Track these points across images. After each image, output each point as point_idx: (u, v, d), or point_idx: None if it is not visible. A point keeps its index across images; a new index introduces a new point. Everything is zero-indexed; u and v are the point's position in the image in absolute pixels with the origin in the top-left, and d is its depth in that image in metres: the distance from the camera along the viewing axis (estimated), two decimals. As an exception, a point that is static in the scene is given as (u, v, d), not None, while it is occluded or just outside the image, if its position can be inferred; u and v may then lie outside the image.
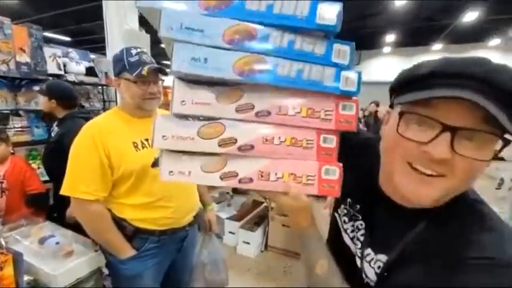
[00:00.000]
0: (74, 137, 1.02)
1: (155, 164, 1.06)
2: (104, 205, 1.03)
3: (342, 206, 0.62)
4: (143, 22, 3.40)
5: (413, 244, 0.44)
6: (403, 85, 0.44)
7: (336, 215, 0.64)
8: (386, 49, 13.08)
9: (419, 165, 0.40)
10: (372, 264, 0.50)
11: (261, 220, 2.84)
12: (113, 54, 1.11)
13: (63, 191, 0.99)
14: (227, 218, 2.83)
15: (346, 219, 0.60)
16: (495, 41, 10.99)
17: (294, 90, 0.47)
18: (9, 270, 0.91)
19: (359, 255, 0.54)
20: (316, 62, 0.46)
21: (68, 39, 10.08)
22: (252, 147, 0.48)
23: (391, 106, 0.49)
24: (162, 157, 0.49)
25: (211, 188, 3.32)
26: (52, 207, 1.78)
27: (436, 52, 12.46)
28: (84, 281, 1.11)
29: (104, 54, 3.56)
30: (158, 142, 0.47)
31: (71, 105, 1.83)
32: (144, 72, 1.00)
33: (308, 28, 0.44)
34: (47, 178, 1.82)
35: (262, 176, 0.49)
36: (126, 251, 1.04)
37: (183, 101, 0.46)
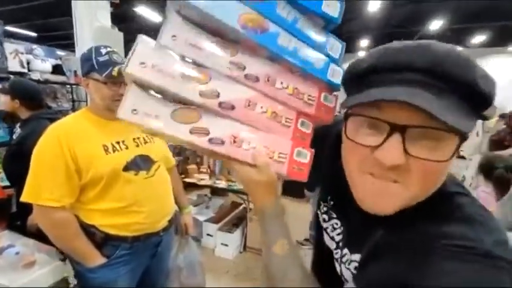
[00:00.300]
0: (38, 139, 0.96)
1: (127, 167, 1.02)
2: (71, 212, 0.98)
3: (322, 203, 0.57)
4: (116, 19, 3.27)
5: (385, 241, 0.40)
6: (348, 82, 0.43)
7: (319, 213, 0.59)
8: (362, 53, 13.61)
9: (375, 173, 0.36)
10: (347, 265, 0.46)
11: (239, 221, 2.84)
12: (82, 51, 1.06)
13: (24, 197, 0.92)
14: (205, 221, 2.79)
15: (325, 217, 0.56)
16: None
17: (285, 66, 0.47)
18: (-39, 285, 0.84)
19: (336, 256, 0.50)
20: (312, 46, 0.47)
21: (33, 34, 9.42)
22: (233, 107, 0.45)
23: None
24: (129, 89, 0.43)
25: (188, 190, 3.26)
26: (14, 214, 1.66)
27: (405, 57, 13.15)
28: (49, 292, 1.05)
29: (73, 51, 3.37)
30: (133, 67, 0.41)
31: (35, 105, 1.71)
32: (114, 73, 0.96)
33: (314, 11, 0.46)
34: (8, 183, 1.70)
35: (234, 142, 0.46)
36: (95, 259, 1.00)
37: (175, 36, 0.43)
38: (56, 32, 9.05)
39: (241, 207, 3.15)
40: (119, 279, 1.05)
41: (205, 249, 2.68)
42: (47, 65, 2.62)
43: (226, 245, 2.60)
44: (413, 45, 0.34)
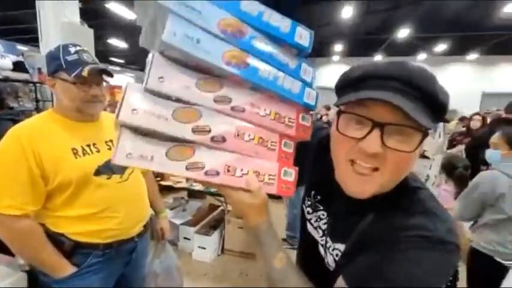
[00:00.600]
0: (-2, 143, 0.89)
1: (99, 172, 0.98)
2: (35, 220, 0.92)
3: (307, 198, 0.65)
4: (85, 15, 3.11)
5: (363, 233, 0.48)
6: (340, 87, 0.51)
7: (303, 206, 0.67)
8: (336, 57, 14.13)
9: (359, 161, 0.44)
10: (330, 251, 0.55)
11: (217, 224, 2.82)
12: (47, 48, 1.00)
13: None
14: (182, 224, 2.74)
15: (310, 210, 0.64)
16: (422, 56, 12.70)
17: (266, 94, 0.51)
18: None
19: (321, 243, 0.58)
20: (288, 73, 0.52)
21: (-10, 26, 8.66)
22: (224, 139, 0.48)
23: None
24: (121, 135, 0.43)
25: (165, 193, 3.18)
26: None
27: (376, 62, 13.83)
28: (11, 306, 0.98)
29: (36, 46, 3.15)
30: (126, 116, 0.42)
31: (-7, 105, 1.58)
32: (84, 73, 0.92)
33: (288, 42, 0.51)
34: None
35: (228, 171, 0.49)
36: (64, 269, 0.94)
37: (161, 78, 0.44)
38: (17, 25, 8.39)
39: (219, 210, 3.12)
40: (90, 288, 1.00)
41: (183, 253, 2.63)
42: (7, 61, 2.42)
43: (203, 248, 2.56)
44: (396, 62, 0.44)
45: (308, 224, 0.64)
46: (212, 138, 0.47)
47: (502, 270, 1.36)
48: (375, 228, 0.46)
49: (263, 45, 0.49)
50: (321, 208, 0.61)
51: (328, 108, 6.22)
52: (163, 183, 2.70)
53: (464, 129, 3.76)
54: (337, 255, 0.53)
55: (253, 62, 0.48)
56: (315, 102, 0.54)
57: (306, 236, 0.64)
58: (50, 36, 2.64)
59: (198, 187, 2.65)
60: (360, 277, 0.43)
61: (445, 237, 0.40)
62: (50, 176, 0.90)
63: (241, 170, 0.50)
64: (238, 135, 0.49)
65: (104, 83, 1.03)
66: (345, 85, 0.48)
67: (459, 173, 1.86)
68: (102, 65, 0.99)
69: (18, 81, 2.59)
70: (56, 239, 0.94)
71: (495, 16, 7.89)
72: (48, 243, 0.92)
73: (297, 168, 0.54)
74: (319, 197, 0.62)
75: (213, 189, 2.58)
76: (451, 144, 3.41)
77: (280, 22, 0.50)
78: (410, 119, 0.39)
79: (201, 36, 0.44)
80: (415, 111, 0.39)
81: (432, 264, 0.39)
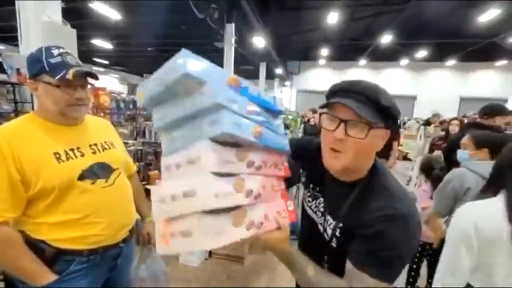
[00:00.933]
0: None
1: (83, 176, 0.96)
2: (14, 227, 0.89)
3: (306, 191, 0.87)
4: (69, 14, 3.03)
5: (348, 214, 0.68)
6: (326, 97, 0.70)
7: (304, 199, 0.88)
8: (322, 61, 14.39)
9: (333, 146, 0.65)
10: (328, 225, 0.74)
11: (205, 227, 2.80)
12: (27, 49, 0.98)
13: None
14: (169, 228, 2.70)
15: (310, 199, 0.84)
16: (404, 61, 13.16)
17: (267, 150, 0.65)
18: None
19: (320, 222, 0.78)
20: (278, 132, 0.69)
21: (-37, 23, 8.23)
22: (260, 195, 0.61)
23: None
24: (200, 223, 0.51)
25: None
26: None
27: (361, 67, 14.25)
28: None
29: (15, 45, 3.02)
30: (211, 203, 0.51)
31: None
32: (69, 76, 0.90)
33: (273, 110, 0.68)
34: None
35: (266, 218, 0.61)
36: (45, 276, 0.91)
37: (218, 161, 0.53)
38: (-6, 23, 8.03)
39: (206, 213, 3.10)
40: (73, 296, 0.97)
41: (169, 258, 2.58)
42: (-17, 61, 2.31)
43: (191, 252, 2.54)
44: (356, 80, 0.66)
45: (309, 210, 0.84)
46: (255, 197, 0.59)
47: None
48: (357, 212, 0.66)
49: (266, 117, 0.65)
50: (319, 195, 0.80)
51: (314, 111, 6.31)
52: (149, 186, 2.65)
53: (443, 133, 3.92)
54: (333, 227, 0.72)
55: (263, 130, 0.62)
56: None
57: (306, 222, 0.84)
58: (30, 36, 2.55)
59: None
60: (360, 260, 0.62)
61: (406, 213, 0.61)
62: (31, 182, 0.87)
63: (271, 214, 0.63)
64: (264, 188, 0.62)
65: (89, 86, 1.02)
66: (328, 95, 0.70)
67: (436, 174, 1.96)
68: (86, 68, 0.97)
69: (-5, 82, 2.49)
70: (36, 247, 0.91)
71: (472, 24, 8.32)
72: (27, 251, 0.89)
73: (292, 199, 0.67)
74: (317, 188, 0.82)
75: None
76: (431, 149, 3.55)
77: (270, 99, 0.67)
78: (360, 117, 0.59)
79: (240, 121, 0.56)
80: (361, 110, 0.60)
81: (395, 234, 0.60)
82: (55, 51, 0.94)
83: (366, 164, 0.68)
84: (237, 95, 0.57)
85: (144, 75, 7.92)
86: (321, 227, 0.78)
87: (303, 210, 0.88)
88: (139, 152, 2.97)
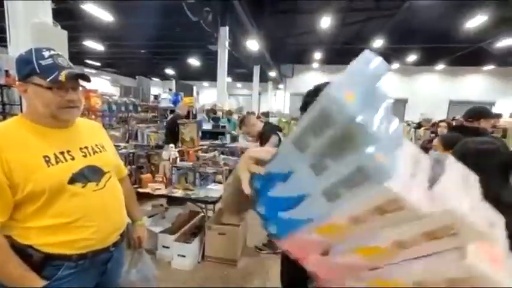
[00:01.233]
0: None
1: (73, 180, 0.95)
2: (0, 232, 0.87)
3: None
4: (59, 15, 2.99)
5: None
6: (302, 107, 0.75)
7: None
8: (315, 65, 14.53)
9: None
10: None
11: (198, 231, 2.78)
12: (16, 50, 0.97)
13: None
14: (161, 232, 2.67)
15: None
16: (395, 65, 13.41)
17: None
18: None
19: None
20: None
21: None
22: None
23: None
24: None
25: (144, 200, 3.09)
26: None
27: (353, 70, 14.45)
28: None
29: (4, 46, 2.97)
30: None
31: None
32: (61, 78, 0.90)
33: None
34: None
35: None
36: (32, 282, 0.89)
37: None
38: (-18, 23, 7.87)
39: (199, 216, 3.09)
40: (62, 302, 0.95)
41: (161, 262, 2.56)
42: (-30, 62, 2.26)
43: (183, 256, 2.51)
44: (325, 83, 0.69)
45: None
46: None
47: None
48: None
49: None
50: None
51: (307, 114, 6.36)
52: (141, 190, 2.63)
53: (433, 135, 4.01)
54: None
55: None
56: None
57: None
58: (20, 38, 2.51)
59: (178, 193, 2.61)
60: None
61: None
62: (19, 186, 0.86)
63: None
64: None
65: (80, 88, 1.01)
66: (302, 106, 0.76)
67: None
68: (77, 70, 0.97)
69: (-17, 83, 2.43)
70: (24, 252, 0.89)
71: (459, 30, 8.55)
72: (14, 256, 0.87)
73: None
74: None
75: (193, 195, 2.55)
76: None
77: None
78: None
79: None
80: None
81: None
82: (46, 53, 0.93)
83: None
84: None
85: (137, 77, 7.85)
86: None
87: None
88: (131, 155, 2.94)
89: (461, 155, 0.98)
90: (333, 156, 0.36)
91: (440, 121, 3.88)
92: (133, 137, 4.35)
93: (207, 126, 5.86)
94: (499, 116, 4.81)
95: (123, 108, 4.73)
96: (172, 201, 3.16)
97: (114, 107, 4.49)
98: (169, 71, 17.95)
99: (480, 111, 2.35)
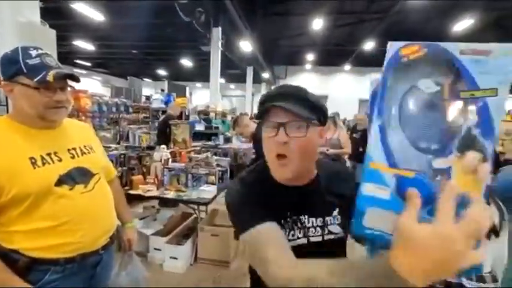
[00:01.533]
0: None
1: (61, 182, 0.93)
2: None
3: (286, 226, 0.70)
4: (48, 14, 2.93)
5: (327, 199, 0.73)
6: (260, 109, 0.69)
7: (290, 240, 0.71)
8: (308, 66, 14.63)
9: (278, 151, 0.65)
10: (329, 222, 0.74)
11: (190, 232, 2.76)
12: (2, 50, 0.94)
13: None
14: (152, 234, 2.64)
15: (295, 227, 0.71)
16: (386, 67, 13.61)
17: None
18: None
19: (318, 230, 0.72)
20: None
21: None
22: None
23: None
24: None
25: (136, 202, 3.05)
26: None
27: (346, 72, 14.62)
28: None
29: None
30: None
31: None
32: (49, 78, 0.88)
33: None
34: None
35: None
36: (18, 286, 0.87)
37: None
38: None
39: (192, 218, 3.06)
40: (49, 307, 0.93)
41: (153, 265, 2.53)
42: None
43: (175, 258, 2.49)
44: (280, 86, 0.71)
45: (293, 242, 0.69)
46: None
47: None
48: (334, 190, 0.74)
49: None
50: (299, 218, 0.71)
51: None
52: (132, 192, 2.59)
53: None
54: (330, 221, 0.73)
55: None
56: None
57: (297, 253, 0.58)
58: (6, 37, 2.44)
59: (169, 195, 2.58)
60: None
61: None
62: (4, 189, 0.83)
63: None
64: None
65: (69, 88, 0.99)
66: (260, 103, 0.70)
67: None
68: (66, 70, 0.95)
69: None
70: (8, 257, 0.87)
71: (447, 33, 8.75)
72: None
73: None
74: (288, 213, 0.71)
75: (185, 197, 2.53)
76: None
77: None
78: (296, 116, 0.62)
79: None
80: (296, 108, 0.63)
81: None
82: (33, 52, 0.91)
83: (312, 163, 0.73)
84: None
85: (128, 77, 7.75)
86: (319, 236, 0.72)
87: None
88: (122, 156, 2.90)
89: None
90: None
91: None
92: (124, 138, 4.29)
93: (200, 127, 5.83)
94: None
95: (114, 109, 4.66)
96: (164, 203, 3.13)
97: (104, 108, 4.42)
98: (162, 72, 17.80)
99: None
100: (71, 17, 7.63)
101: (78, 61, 14.32)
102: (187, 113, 5.64)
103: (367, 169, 0.39)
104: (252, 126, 2.95)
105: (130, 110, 5.38)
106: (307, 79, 14.99)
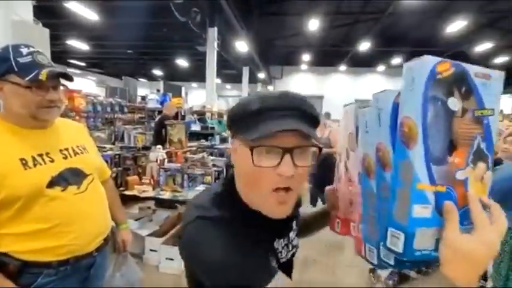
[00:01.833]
0: None
1: (52, 183, 0.91)
2: None
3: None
4: (42, 13, 2.89)
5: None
6: (238, 120, 0.52)
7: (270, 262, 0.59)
8: (304, 66, 14.67)
9: (280, 185, 0.48)
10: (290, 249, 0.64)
11: (186, 233, 2.74)
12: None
13: None
14: (148, 235, 2.62)
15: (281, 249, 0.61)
16: (381, 68, 13.73)
17: None
18: None
19: (281, 255, 0.60)
20: None
21: None
22: None
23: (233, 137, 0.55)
24: None
25: (132, 203, 3.02)
26: None
27: (341, 72, 14.70)
28: None
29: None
30: None
31: None
32: (41, 77, 0.86)
33: None
34: None
35: None
36: None
37: None
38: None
39: (188, 218, 3.04)
40: (41, 310, 0.91)
41: (148, 266, 2.50)
42: None
43: (171, 259, 2.47)
44: (283, 94, 0.50)
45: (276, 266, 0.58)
46: None
47: None
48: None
49: None
50: (273, 247, 0.59)
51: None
52: (127, 193, 2.57)
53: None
54: (292, 235, 0.64)
55: None
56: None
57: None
58: (-2, 35, 2.41)
59: (165, 196, 2.56)
60: None
61: None
62: None
63: None
64: None
65: (61, 87, 0.97)
66: (244, 116, 0.50)
67: None
68: (59, 69, 0.93)
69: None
70: None
71: (440, 34, 8.86)
72: None
73: None
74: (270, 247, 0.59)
75: (181, 198, 2.52)
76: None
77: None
78: (305, 139, 0.48)
79: None
80: (309, 130, 0.48)
81: None
82: (24, 50, 0.89)
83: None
84: None
85: (123, 77, 7.69)
86: (285, 259, 0.62)
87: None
88: (117, 156, 2.87)
89: None
90: None
91: None
92: (119, 139, 4.25)
93: (196, 127, 5.81)
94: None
95: (108, 109, 4.62)
96: (161, 203, 3.10)
97: (99, 108, 4.38)
98: (157, 72, 17.68)
99: None
100: (65, 16, 7.54)
101: (72, 61, 14.16)
102: (183, 113, 5.61)
103: (414, 190, 0.38)
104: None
105: (126, 110, 5.34)
106: (303, 79, 15.03)
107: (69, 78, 0.98)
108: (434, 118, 0.38)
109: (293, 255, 0.65)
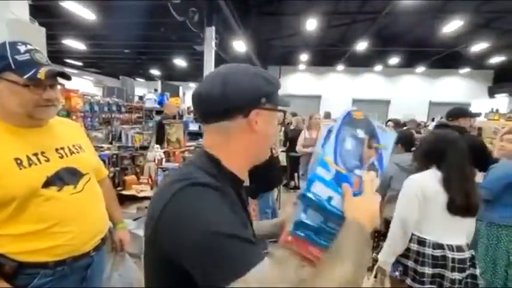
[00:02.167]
0: None
1: (48, 183, 0.90)
2: None
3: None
4: (38, 12, 2.87)
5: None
6: (275, 91, 0.63)
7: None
8: (302, 66, 14.68)
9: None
10: None
11: (184, 233, 2.73)
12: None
13: None
14: (146, 235, 2.60)
15: None
16: (379, 67, 13.78)
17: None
18: None
19: None
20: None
21: None
22: None
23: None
24: None
25: (128, 204, 3.00)
26: None
27: (339, 72, 14.73)
28: None
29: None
30: None
31: None
32: (40, 76, 0.85)
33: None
34: None
35: None
36: None
37: None
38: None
39: (186, 218, 3.03)
40: (38, 311, 0.91)
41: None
42: None
43: (169, 259, 2.46)
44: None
45: None
46: None
47: None
48: None
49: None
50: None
51: (294, 114, 6.44)
52: (125, 192, 2.55)
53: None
54: None
55: None
56: None
57: None
58: (-7, 34, 2.38)
59: (163, 196, 2.55)
60: None
61: None
62: None
63: None
64: None
65: (59, 86, 0.97)
66: (278, 88, 0.64)
67: None
68: (56, 67, 0.93)
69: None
70: None
71: (437, 34, 8.90)
72: None
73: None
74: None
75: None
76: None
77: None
78: None
79: None
80: None
81: None
82: (21, 48, 0.88)
83: None
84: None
85: (120, 77, 7.65)
86: None
87: None
88: (114, 156, 2.85)
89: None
90: None
91: (388, 120, 4.17)
92: (117, 138, 4.23)
93: (194, 126, 5.79)
94: (477, 115, 5.13)
95: (106, 109, 4.60)
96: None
97: (96, 108, 4.35)
98: (155, 72, 17.62)
99: (459, 111, 2.59)
100: (62, 16, 7.49)
101: (69, 60, 14.07)
102: (180, 113, 5.60)
103: (322, 159, 0.62)
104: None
105: (123, 109, 5.31)
106: (301, 79, 15.04)
107: (67, 77, 0.98)
108: (349, 139, 0.65)
109: None
